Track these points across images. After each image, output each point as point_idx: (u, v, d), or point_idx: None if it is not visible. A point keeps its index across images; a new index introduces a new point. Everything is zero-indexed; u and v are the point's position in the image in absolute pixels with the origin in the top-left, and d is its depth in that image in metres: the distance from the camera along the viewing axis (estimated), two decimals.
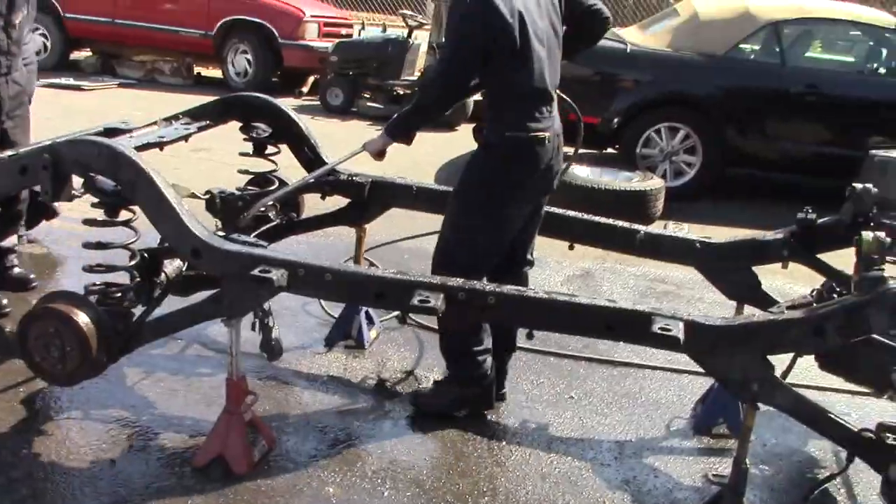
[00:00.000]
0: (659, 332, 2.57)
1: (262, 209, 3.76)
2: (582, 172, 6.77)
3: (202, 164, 6.84)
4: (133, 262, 3.06)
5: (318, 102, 10.63)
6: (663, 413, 3.68)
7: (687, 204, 6.98)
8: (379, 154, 3.39)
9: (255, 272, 2.72)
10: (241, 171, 3.88)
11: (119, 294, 3.02)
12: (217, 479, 2.90)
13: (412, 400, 3.57)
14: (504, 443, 3.34)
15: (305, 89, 11.74)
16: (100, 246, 3.01)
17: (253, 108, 3.90)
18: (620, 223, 3.65)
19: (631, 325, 2.67)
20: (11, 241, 4.32)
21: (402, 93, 10.32)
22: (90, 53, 12.44)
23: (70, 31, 11.93)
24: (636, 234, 3.60)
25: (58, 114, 8.57)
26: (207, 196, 3.21)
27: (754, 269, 3.51)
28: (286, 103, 3.98)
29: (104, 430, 3.17)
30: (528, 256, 3.50)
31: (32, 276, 4.32)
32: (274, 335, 3.32)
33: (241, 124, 3.88)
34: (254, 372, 3.64)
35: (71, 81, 10.73)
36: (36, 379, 3.25)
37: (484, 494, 2.99)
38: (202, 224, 2.89)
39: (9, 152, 3.15)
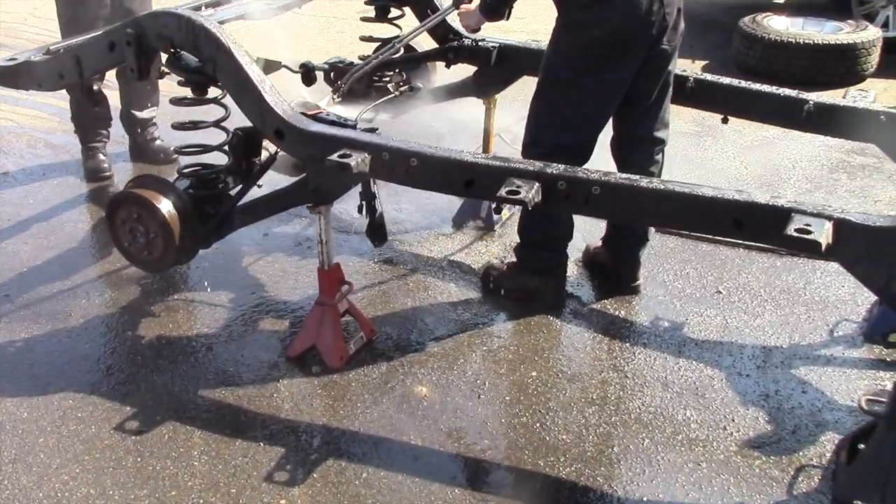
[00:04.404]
0: (794, 234, 2.09)
1: (379, 80, 3.52)
2: (780, 24, 5.96)
3: (342, 37, 6.58)
4: (226, 141, 2.89)
5: None
6: (829, 314, 3.15)
7: None
8: (474, 31, 3.34)
9: (334, 157, 2.46)
10: (362, 38, 3.60)
11: (212, 176, 2.87)
12: (308, 371, 2.78)
13: (483, 274, 3.32)
14: (627, 344, 2.98)
15: None
16: (190, 126, 2.85)
17: None
18: (785, 91, 3.06)
19: (764, 223, 2.19)
20: (151, 112, 4.32)
21: None
22: None
23: None
24: (803, 105, 2.99)
25: None
26: (302, 70, 2.95)
27: None
28: None
29: (209, 314, 3.13)
30: (657, 134, 3.02)
31: (172, 148, 4.31)
32: (380, 219, 3.10)
33: None
34: (369, 255, 3.47)
35: None
36: None
37: (592, 403, 2.68)
38: (286, 102, 2.66)
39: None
